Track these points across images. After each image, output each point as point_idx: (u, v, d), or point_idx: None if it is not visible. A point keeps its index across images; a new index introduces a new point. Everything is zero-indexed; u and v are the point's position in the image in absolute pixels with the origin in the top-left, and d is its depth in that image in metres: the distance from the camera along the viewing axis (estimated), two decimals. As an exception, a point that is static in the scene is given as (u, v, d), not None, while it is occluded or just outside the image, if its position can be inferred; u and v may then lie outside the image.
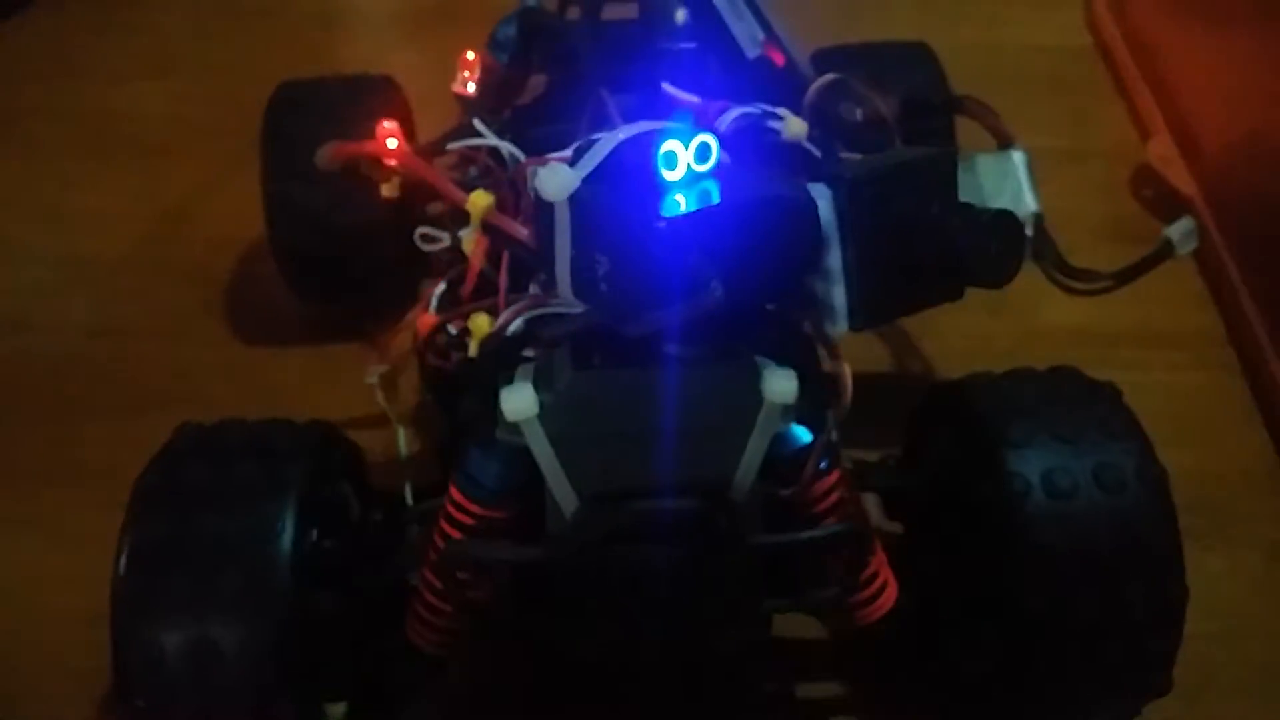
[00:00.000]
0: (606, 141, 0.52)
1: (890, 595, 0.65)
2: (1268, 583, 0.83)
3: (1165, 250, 0.75)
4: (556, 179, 0.52)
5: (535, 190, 0.53)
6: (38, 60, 1.45)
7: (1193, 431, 0.92)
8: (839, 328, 0.59)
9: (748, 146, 0.67)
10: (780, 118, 0.70)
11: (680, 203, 0.52)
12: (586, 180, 0.52)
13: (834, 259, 0.58)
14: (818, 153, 0.69)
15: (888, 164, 0.61)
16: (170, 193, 1.22)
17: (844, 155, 0.69)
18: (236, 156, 1.08)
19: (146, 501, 0.61)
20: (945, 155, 0.61)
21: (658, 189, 0.52)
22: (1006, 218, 0.60)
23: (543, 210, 0.53)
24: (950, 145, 0.61)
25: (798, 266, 0.57)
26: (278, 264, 0.99)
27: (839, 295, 0.58)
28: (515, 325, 0.63)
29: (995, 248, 0.59)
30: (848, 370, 0.64)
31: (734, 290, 0.52)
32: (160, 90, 1.39)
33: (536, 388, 0.56)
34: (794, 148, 0.69)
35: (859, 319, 0.59)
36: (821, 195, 0.57)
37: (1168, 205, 1.14)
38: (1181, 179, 1.15)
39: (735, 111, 0.69)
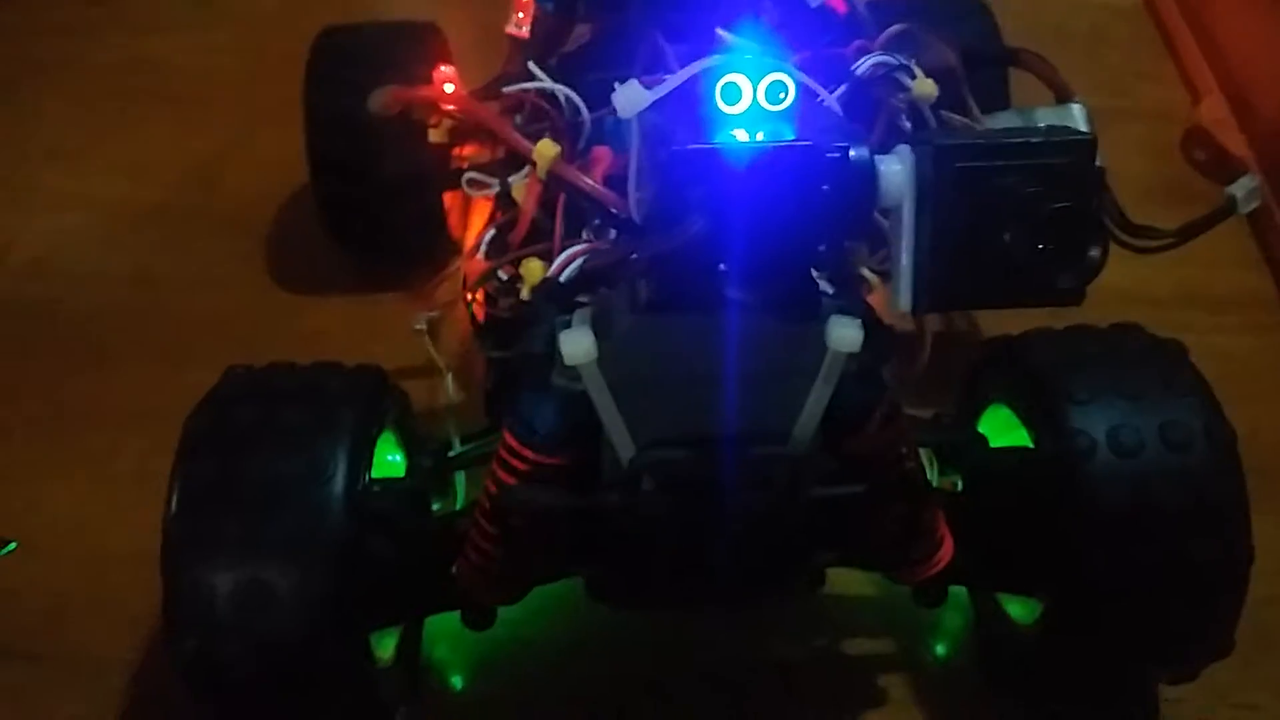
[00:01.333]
0: (689, 69, 0.51)
1: (946, 551, 0.64)
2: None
3: (1229, 208, 0.73)
4: (629, 96, 0.52)
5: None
6: (76, 10, 1.44)
7: (1243, 394, 0.89)
8: (900, 307, 0.54)
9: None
10: (913, 75, 0.70)
11: (740, 137, 0.51)
12: (658, 104, 0.52)
13: (906, 231, 0.53)
14: (931, 118, 0.69)
15: (995, 137, 0.54)
16: (208, 142, 1.21)
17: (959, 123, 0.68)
18: (274, 106, 1.07)
19: (197, 443, 0.61)
20: (1080, 144, 0.52)
21: (709, 120, 0.51)
22: (1071, 218, 0.51)
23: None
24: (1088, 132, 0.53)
25: (835, 225, 0.54)
26: (320, 212, 0.98)
27: (906, 272, 0.53)
28: (571, 270, 0.62)
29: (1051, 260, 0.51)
30: (928, 328, 0.63)
31: (740, 234, 0.51)
32: (198, 40, 1.38)
33: (595, 332, 0.55)
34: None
35: (922, 302, 0.53)
36: (904, 159, 0.52)
37: (1219, 167, 1.12)
38: (1234, 140, 1.13)
39: (873, 59, 0.69)
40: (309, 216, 1.00)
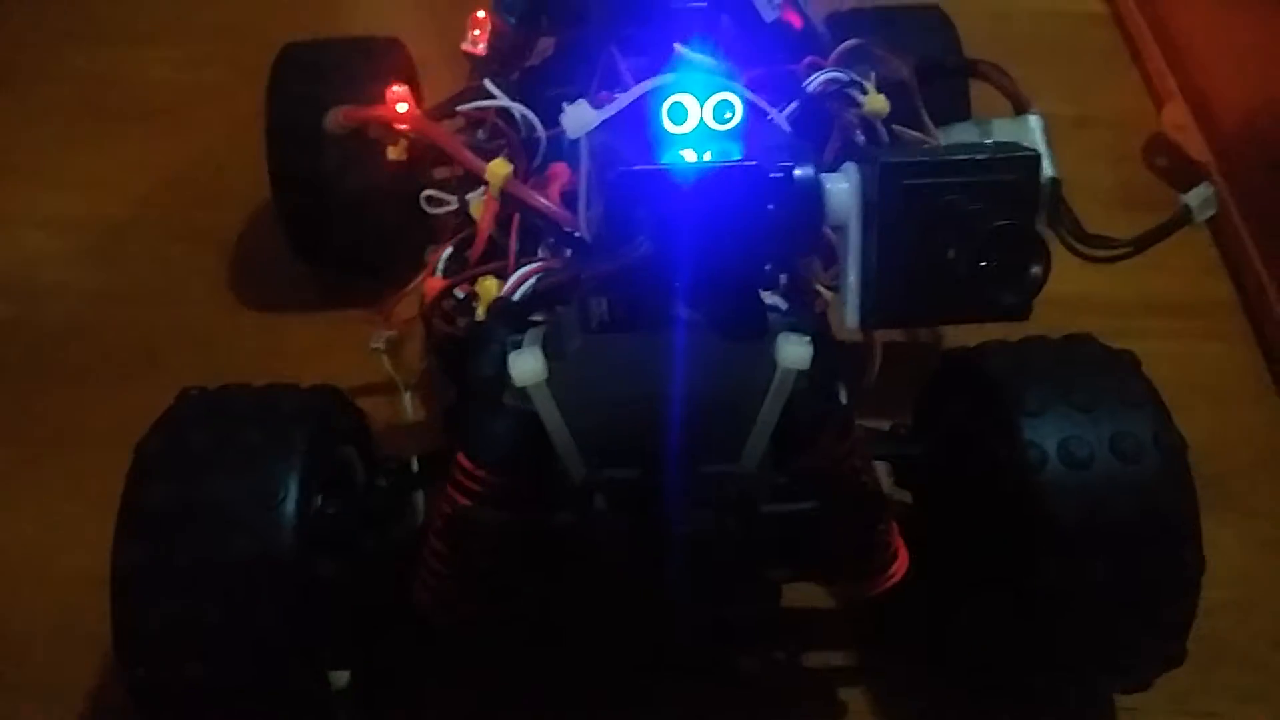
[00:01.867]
0: (636, 89, 0.52)
1: (901, 565, 0.64)
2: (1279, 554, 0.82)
3: (1184, 217, 0.74)
4: (577, 116, 0.53)
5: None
6: (41, 22, 1.43)
7: (1204, 402, 0.91)
8: (849, 322, 0.55)
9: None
10: (865, 90, 0.71)
11: (688, 157, 0.51)
12: (607, 123, 0.53)
13: (853, 248, 0.53)
14: (884, 133, 0.70)
15: (941, 154, 0.54)
16: (173, 157, 1.20)
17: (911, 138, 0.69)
18: (240, 120, 1.07)
19: (148, 466, 0.61)
20: (1024, 161, 0.52)
21: (657, 140, 0.52)
22: (1014, 235, 0.50)
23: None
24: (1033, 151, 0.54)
25: (781, 244, 0.54)
26: (282, 229, 0.98)
27: (853, 289, 0.53)
28: (524, 289, 0.62)
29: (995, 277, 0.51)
30: (878, 340, 0.63)
31: (687, 254, 0.51)
32: (164, 53, 1.37)
33: (546, 352, 0.55)
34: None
35: (871, 317, 0.54)
36: (850, 177, 0.53)
37: (1181, 173, 1.13)
38: (1196, 147, 1.13)
39: (825, 75, 0.70)
40: (274, 231, 1.00)
